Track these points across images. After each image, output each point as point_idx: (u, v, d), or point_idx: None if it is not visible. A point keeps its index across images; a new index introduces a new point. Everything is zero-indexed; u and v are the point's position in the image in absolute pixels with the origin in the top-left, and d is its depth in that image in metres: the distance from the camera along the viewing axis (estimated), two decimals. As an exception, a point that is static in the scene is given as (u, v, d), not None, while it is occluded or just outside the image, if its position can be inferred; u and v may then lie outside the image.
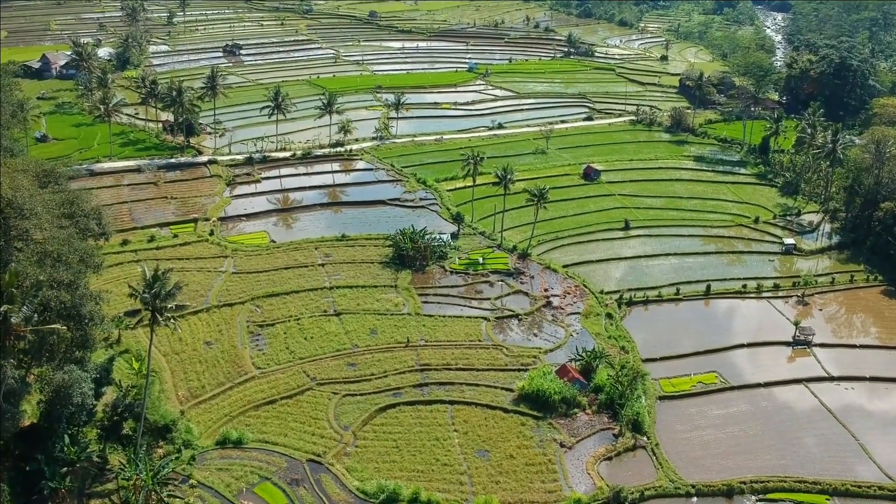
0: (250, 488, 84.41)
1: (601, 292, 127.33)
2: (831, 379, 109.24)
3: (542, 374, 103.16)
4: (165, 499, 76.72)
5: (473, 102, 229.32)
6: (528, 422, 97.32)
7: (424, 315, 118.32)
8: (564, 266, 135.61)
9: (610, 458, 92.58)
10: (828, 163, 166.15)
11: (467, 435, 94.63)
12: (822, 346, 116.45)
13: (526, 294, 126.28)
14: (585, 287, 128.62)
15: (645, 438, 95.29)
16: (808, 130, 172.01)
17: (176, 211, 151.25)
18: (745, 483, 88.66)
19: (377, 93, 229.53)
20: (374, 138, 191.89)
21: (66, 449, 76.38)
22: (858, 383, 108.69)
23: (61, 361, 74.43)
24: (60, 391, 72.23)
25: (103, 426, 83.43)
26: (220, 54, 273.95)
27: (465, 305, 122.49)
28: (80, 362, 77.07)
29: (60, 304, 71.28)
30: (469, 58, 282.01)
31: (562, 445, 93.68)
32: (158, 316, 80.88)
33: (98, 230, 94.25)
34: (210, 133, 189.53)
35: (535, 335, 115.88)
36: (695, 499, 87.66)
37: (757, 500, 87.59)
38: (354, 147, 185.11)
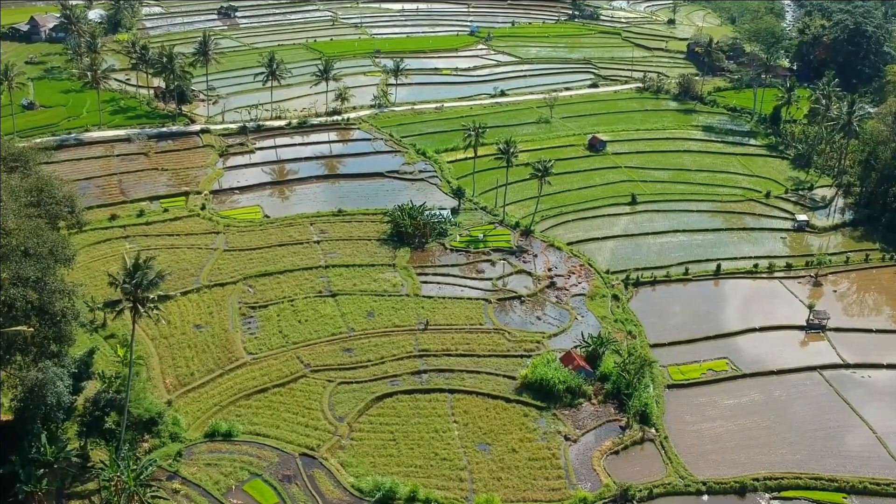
0: (240, 486, 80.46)
1: (607, 272, 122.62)
2: (847, 366, 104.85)
3: (546, 361, 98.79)
4: (149, 500, 72.73)
5: (475, 68, 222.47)
6: (532, 412, 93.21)
7: (423, 296, 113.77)
8: (569, 243, 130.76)
9: (617, 452, 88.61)
10: (842, 135, 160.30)
11: (468, 426, 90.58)
12: (837, 330, 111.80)
13: (529, 274, 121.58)
14: (591, 266, 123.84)
15: (653, 431, 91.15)
16: (823, 102, 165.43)
17: (167, 183, 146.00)
18: (757, 480, 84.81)
19: (375, 58, 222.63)
20: (372, 106, 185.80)
21: (42, 448, 72.11)
22: (875, 371, 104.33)
23: (36, 356, 69.62)
24: (34, 390, 67.58)
25: (84, 421, 79.03)
26: (215, 16, 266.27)
27: (465, 286, 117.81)
28: (57, 356, 72.32)
29: (27, 304, 66.30)
30: (471, 21, 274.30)
31: (566, 438, 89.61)
32: (140, 307, 76.14)
33: (71, 219, 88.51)
34: (203, 100, 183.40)
35: (539, 318, 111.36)
36: (705, 497, 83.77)
37: (771, 499, 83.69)
38: (352, 115, 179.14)
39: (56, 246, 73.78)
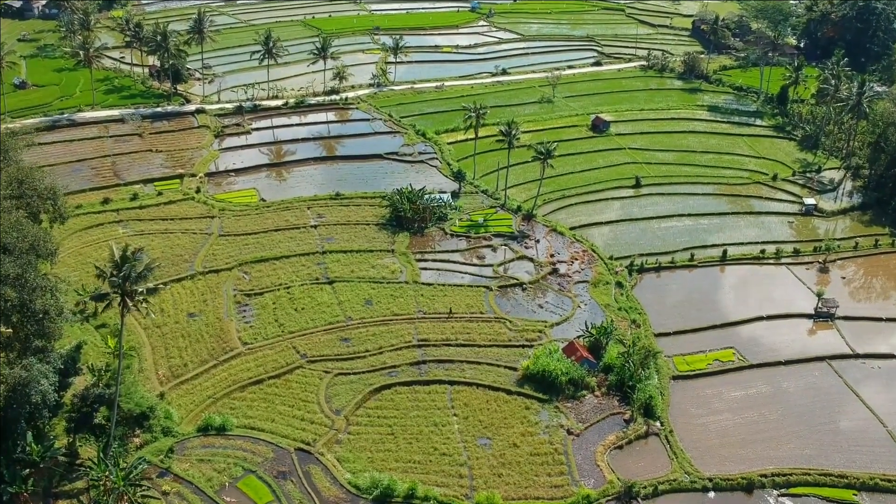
0: (233, 483, 78.22)
1: (610, 258, 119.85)
2: (856, 356, 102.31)
3: (549, 352, 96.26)
4: (139, 500, 70.51)
5: (476, 45, 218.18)
6: (533, 405, 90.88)
7: (422, 283, 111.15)
8: (572, 228, 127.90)
9: (621, 447, 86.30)
10: (851, 116, 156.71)
11: (468, 420, 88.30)
12: (846, 318, 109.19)
13: (531, 260, 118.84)
14: (594, 252, 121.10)
15: (658, 424, 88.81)
16: (832, 81, 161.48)
17: (161, 165, 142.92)
18: (765, 476, 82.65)
19: (375, 34, 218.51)
20: (371, 85, 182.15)
21: (28, 448, 69.77)
22: (885, 361, 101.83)
23: (20, 353, 67.00)
24: (17, 389, 65.04)
25: (72, 417, 76.64)
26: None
27: (465, 273, 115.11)
28: (42, 352, 69.72)
29: (5, 302, 63.46)
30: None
31: (569, 432, 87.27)
32: (129, 300, 73.49)
33: (53, 212, 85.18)
34: (199, 79, 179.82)
35: (541, 307, 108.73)
36: (712, 493, 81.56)
37: (779, 495, 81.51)
38: (350, 94, 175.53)
39: (37, 240, 70.85)
